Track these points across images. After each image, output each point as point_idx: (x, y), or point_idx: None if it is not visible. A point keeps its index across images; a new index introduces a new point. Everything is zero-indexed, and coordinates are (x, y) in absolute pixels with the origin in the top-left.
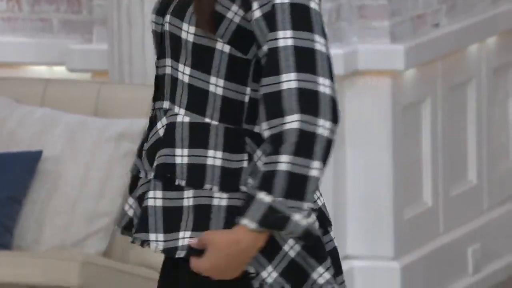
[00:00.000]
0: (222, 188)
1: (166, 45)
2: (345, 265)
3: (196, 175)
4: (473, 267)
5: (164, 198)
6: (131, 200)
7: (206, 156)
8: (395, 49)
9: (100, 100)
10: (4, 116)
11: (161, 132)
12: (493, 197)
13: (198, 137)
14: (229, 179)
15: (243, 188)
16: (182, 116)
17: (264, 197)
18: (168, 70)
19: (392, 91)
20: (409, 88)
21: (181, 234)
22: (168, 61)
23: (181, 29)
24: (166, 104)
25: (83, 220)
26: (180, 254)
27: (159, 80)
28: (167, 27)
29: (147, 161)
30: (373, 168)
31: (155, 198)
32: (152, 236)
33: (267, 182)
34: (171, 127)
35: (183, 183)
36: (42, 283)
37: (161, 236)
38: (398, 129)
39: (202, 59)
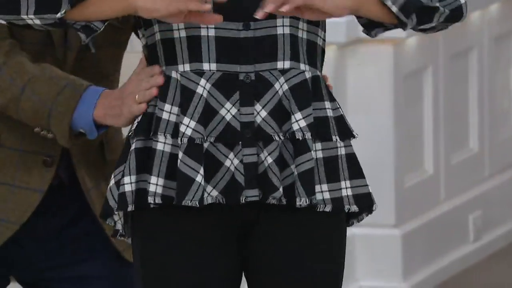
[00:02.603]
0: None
1: None
2: None
3: (324, 127)
4: (474, 235)
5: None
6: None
7: (325, 108)
8: None
9: None
10: None
11: (282, 93)
12: (494, 165)
13: (319, 90)
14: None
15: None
16: (308, 72)
17: None
18: (286, 30)
19: (393, 59)
20: (410, 56)
21: (342, 184)
22: (286, 21)
23: None
24: (282, 64)
25: None
26: (353, 208)
27: (258, 42)
28: None
29: (272, 123)
30: (375, 136)
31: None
32: (317, 188)
33: None
34: (302, 85)
35: (336, 136)
36: None
37: (325, 187)
38: (399, 97)
39: None
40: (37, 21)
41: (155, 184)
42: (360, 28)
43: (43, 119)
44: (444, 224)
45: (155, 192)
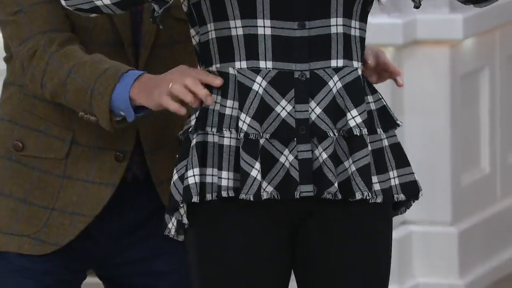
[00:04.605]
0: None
1: (334, 5)
2: (402, 230)
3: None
4: None
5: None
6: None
7: (369, 102)
8: (453, 18)
9: None
10: None
11: (336, 91)
12: None
13: (365, 85)
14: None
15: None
16: (360, 69)
17: None
18: (339, 29)
19: (450, 60)
20: (467, 57)
21: (390, 174)
22: (339, 20)
23: None
24: (336, 63)
25: None
26: (400, 197)
27: (309, 41)
28: None
29: (326, 120)
30: (431, 136)
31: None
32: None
33: None
34: (356, 82)
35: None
36: None
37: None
38: (456, 98)
39: (365, 10)
40: (107, 0)
41: (227, 179)
42: (418, 29)
43: (85, 101)
44: (500, 222)
45: (228, 186)
